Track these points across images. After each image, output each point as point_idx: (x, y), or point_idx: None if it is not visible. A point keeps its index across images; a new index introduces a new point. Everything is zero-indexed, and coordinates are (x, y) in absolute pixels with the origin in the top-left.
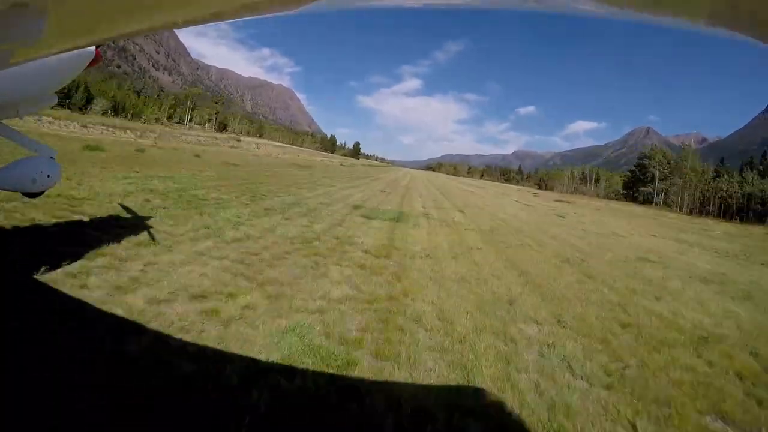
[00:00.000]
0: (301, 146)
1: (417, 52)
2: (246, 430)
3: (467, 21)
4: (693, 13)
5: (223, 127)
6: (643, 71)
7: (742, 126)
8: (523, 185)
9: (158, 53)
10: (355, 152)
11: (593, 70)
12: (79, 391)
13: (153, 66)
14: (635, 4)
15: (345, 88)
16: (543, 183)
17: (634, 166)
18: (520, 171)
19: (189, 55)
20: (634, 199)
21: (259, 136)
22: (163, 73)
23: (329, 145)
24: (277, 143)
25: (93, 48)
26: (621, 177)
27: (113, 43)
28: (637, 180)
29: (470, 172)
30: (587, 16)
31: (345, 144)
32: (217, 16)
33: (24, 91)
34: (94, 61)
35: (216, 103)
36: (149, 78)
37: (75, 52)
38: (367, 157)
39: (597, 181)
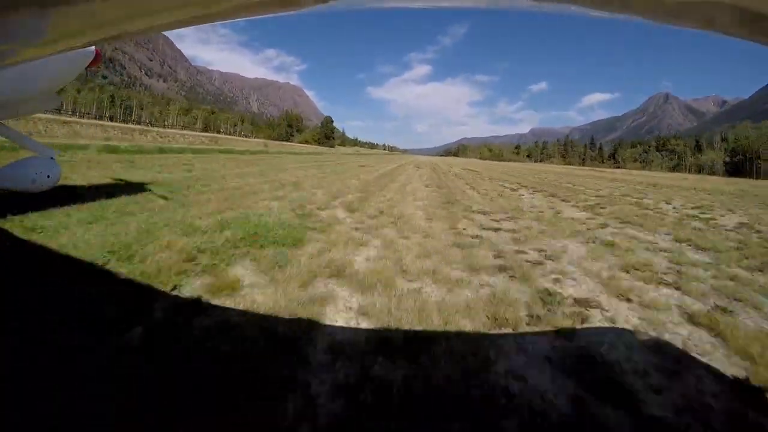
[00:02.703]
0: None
1: (423, 39)
2: None
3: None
4: (695, 16)
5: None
6: (654, 37)
7: (766, 84)
8: (623, 167)
9: (151, 60)
10: (325, 134)
11: (602, 39)
12: (78, 391)
13: (146, 74)
14: (642, 7)
15: (354, 81)
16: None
17: None
18: (596, 146)
19: (187, 61)
20: None
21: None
22: (158, 81)
23: (283, 130)
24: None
25: (93, 48)
26: None
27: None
28: None
29: (517, 152)
30: (592, 16)
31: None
32: (217, 16)
33: (24, 91)
34: (94, 61)
35: None
36: (140, 86)
37: (75, 52)
38: (373, 146)
39: None
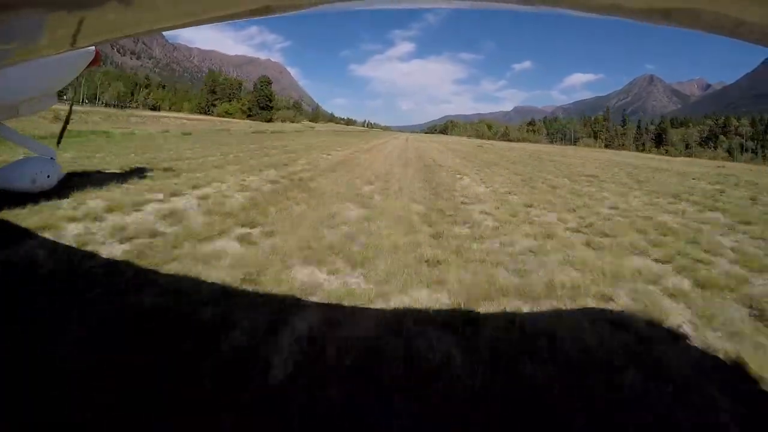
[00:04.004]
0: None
1: (407, 15)
2: None
3: None
4: (695, 18)
5: None
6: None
7: (752, 69)
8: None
9: None
10: (258, 102)
11: (585, 20)
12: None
13: (117, 51)
14: (639, 7)
15: (337, 59)
16: None
17: None
18: (625, 121)
19: (164, 37)
20: None
21: None
22: (130, 58)
23: (203, 99)
24: None
25: (93, 48)
26: None
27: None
28: None
29: (533, 129)
30: (588, 16)
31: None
32: (216, 18)
33: (24, 91)
34: (94, 61)
35: None
36: (111, 64)
37: (75, 52)
38: (350, 122)
39: None
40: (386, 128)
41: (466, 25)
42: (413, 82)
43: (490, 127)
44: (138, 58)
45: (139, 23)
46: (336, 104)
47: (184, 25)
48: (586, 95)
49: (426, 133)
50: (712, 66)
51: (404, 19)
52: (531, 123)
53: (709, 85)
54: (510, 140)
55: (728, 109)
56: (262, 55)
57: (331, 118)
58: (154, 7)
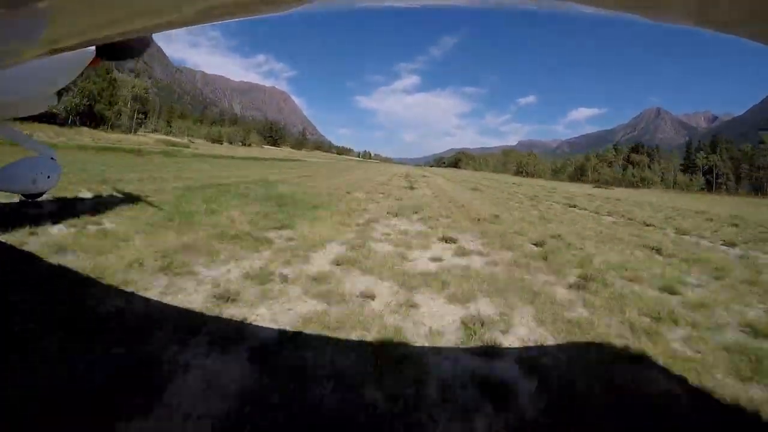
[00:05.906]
0: None
1: (413, 49)
2: None
3: (460, 13)
4: (698, 14)
5: None
6: (641, 51)
7: (759, 101)
8: None
9: None
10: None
11: (590, 56)
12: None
13: (116, 69)
14: (640, 6)
15: (343, 90)
16: None
17: None
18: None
19: (166, 58)
20: None
21: None
22: (129, 76)
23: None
24: None
25: (93, 48)
26: None
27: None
28: None
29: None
30: (588, 15)
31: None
32: (215, 17)
33: (24, 91)
34: (94, 61)
35: None
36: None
37: (75, 52)
38: (341, 151)
39: None
40: (387, 160)
41: (470, 59)
42: (417, 114)
43: (528, 156)
44: (137, 76)
45: (138, 22)
46: (340, 134)
47: (184, 24)
48: (592, 129)
49: (432, 166)
50: (717, 98)
51: (410, 52)
52: (635, 149)
53: (716, 117)
54: (585, 181)
55: (742, 139)
56: (269, 83)
57: (318, 146)
58: (153, 7)
